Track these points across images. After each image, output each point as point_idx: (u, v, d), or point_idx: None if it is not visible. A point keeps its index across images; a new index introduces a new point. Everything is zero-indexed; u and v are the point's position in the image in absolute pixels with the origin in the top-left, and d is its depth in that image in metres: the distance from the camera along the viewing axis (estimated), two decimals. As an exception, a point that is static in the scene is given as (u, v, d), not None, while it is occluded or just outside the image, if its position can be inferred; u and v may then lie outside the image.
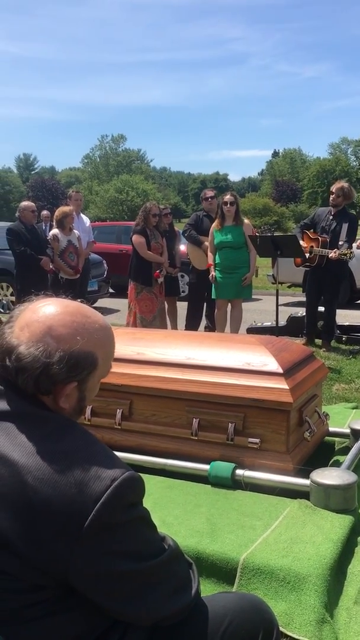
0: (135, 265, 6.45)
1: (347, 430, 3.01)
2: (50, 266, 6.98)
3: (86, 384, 1.15)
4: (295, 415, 2.56)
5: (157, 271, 6.42)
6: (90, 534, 0.99)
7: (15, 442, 1.04)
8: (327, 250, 6.03)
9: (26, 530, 0.99)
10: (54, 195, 56.62)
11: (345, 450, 2.88)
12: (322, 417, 2.91)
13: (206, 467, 2.48)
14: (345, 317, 7.61)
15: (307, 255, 6.15)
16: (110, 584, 1.03)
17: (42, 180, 64.61)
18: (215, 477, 2.44)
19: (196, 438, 2.59)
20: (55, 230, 7.00)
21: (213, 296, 6.34)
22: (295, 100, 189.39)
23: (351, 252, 5.95)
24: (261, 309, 9.59)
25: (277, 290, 5.87)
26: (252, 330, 6.86)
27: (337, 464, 2.74)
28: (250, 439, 2.50)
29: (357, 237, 6.61)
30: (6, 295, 9.78)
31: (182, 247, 7.55)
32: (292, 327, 6.91)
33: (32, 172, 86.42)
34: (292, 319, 7.07)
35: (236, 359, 2.62)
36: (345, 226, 6.08)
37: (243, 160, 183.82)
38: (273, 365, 2.53)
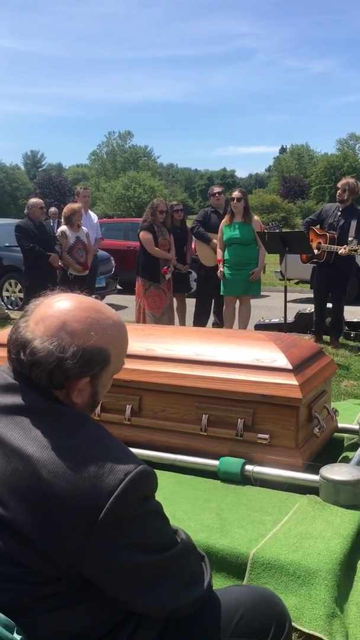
0: (143, 262, 6.46)
1: (356, 427, 3.01)
2: (59, 263, 7.01)
3: (99, 379, 1.16)
4: (305, 411, 2.56)
5: (165, 267, 6.43)
6: (104, 527, 1.00)
7: (29, 436, 1.05)
8: (335, 247, 6.02)
9: (41, 523, 1.00)
10: (61, 192, 56.71)
11: (354, 447, 2.89)
12: (331, 413, 2.91)
13: (215, 462, 2.49)
14: (353, 313, 7.59)
15: (315, 251, 6.14)
16: (124, 577, 1.05)
17: (49, 177, 64.70)
18: (224, 473, 2.45)
19: (205, 434, 2.60)
20: (63, 227, 7.03)
21: (221, 292, 6.34)
22: (303, 96, 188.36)
23: None
24: (269, 306, 9.59)
25: (286, 287, 5.87)
26: (260, 327, 6.86)
27: (346, 460, 2.75)
28: (260, 435, 2.50)
29: None
30: (14, 292, 9.81)
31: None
32: (300, 324, 6.90)
33: (40, 169, 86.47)
34: (300, 316, 7.06)
35: (245, 355, 2.62)
36: (354, 223, 6.06)
37: (250, 157, 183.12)
38: (282, 362, 2.54)
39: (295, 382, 2.45)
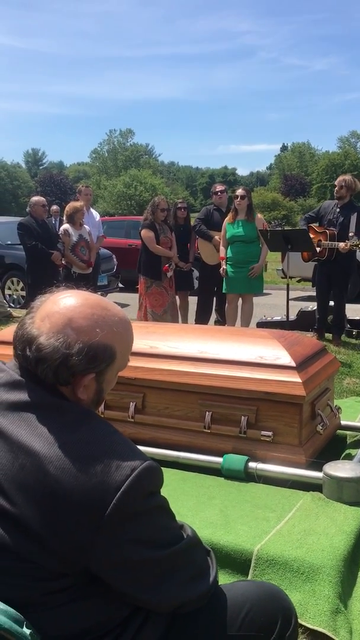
0: (145, 260, 6.47)
1: (359, 424, 3.01)
2: (62, 261, 7.01)
3: (104, 375, 1.16)
4: (308, 409, 2.57)
5: (166, 265, 6.43)
6: (111, 523, 1.01)
7: (36, 432, 1.05)
8: (336, 243, 6.02)
9: (48, 519, 1.00)
10: (62, 190, 56.76)
11: (357, 444, 2.90)
12: (334, 411, 2.92)
13: (219, 459, 2.49)
14: (355, 311, 7.58)
15: (317, 249, 6.14)
16: (130, 572, 1.05)
17: (50, 175, 64.73)
18: (228, 470, 2.46)
19: (209, 431, 2.60)
20: (66, 225, 7.03)
21: (224, 290, 6.34)
22: (304, 93, 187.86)
23: None
24: (271, 304, 9.58)
25: (288, 285, 5.87)
26: (262, 325, 6.86)
27: (349, 457, 2.75)
28: (263, 432, 2.51)
29: None
30: (17, 290, 9.82)
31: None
32: (303, 322, 6.90)
33: (41, 167, 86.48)
34: (302, 314, 7.06)
35: (249, 352, 2.63)
36: (353, 218, 6.07)
37: (251, 155, 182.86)
38: (286, 359, 2.54)
39: (298, 380, 2.46)
